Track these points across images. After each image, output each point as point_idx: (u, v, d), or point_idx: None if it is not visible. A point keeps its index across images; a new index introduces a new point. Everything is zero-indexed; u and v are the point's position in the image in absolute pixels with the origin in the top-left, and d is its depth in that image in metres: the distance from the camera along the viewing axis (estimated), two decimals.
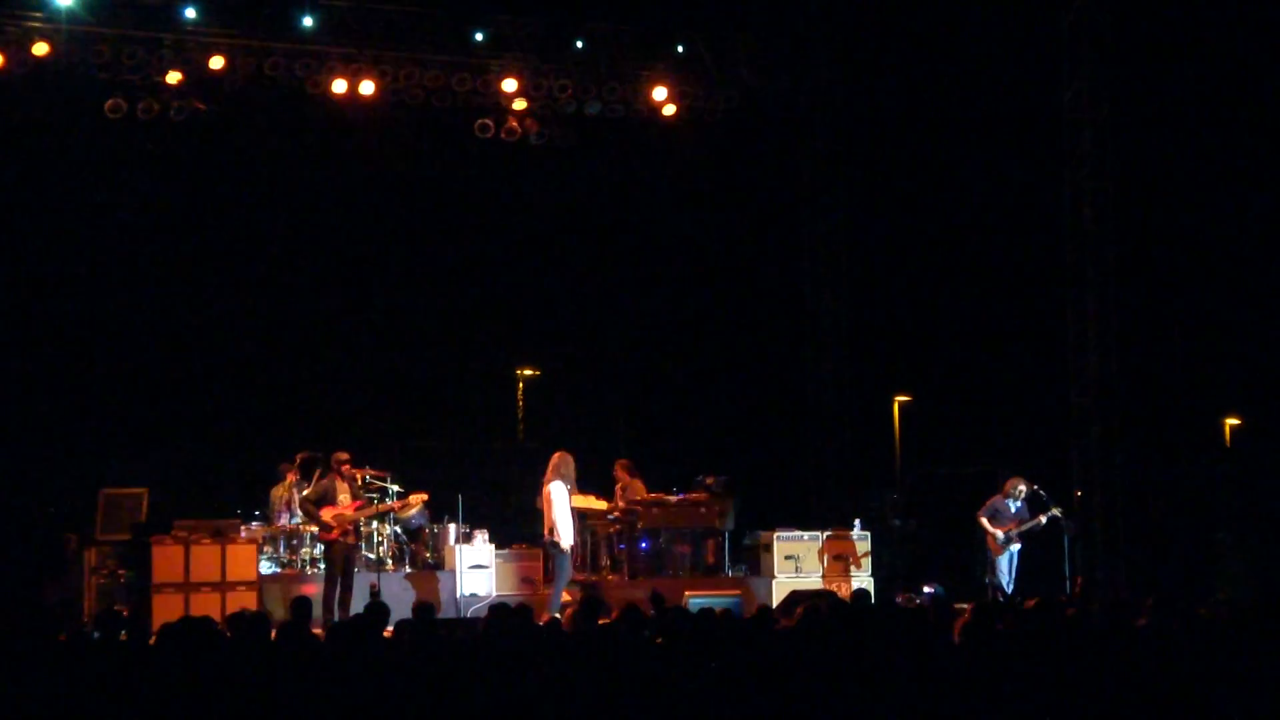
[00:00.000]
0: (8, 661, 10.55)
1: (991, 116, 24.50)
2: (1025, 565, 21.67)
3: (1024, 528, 21.54)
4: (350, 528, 19.76)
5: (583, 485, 22.33)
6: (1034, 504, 21.68)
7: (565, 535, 20.06)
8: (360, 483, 20.96)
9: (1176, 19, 22.97)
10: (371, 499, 21.18)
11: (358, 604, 17.73)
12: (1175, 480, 23.37)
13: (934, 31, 24.31)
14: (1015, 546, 21.60)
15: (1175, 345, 23.28)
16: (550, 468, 20.35)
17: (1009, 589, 21.38)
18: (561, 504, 20.08)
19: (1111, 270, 23.37)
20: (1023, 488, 21.59)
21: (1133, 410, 23.33)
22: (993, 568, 21.62)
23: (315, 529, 20.35)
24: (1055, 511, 21.74)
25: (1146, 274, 23.41)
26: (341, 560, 19.67)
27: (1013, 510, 21.57)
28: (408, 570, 21.73)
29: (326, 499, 19.79)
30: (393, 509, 21.15)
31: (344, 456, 20.03)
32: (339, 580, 19.58)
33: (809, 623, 12.09)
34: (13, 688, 10.10)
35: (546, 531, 20.27)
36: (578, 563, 22.29)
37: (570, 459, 20.48)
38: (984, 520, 21.64)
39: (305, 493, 20.48)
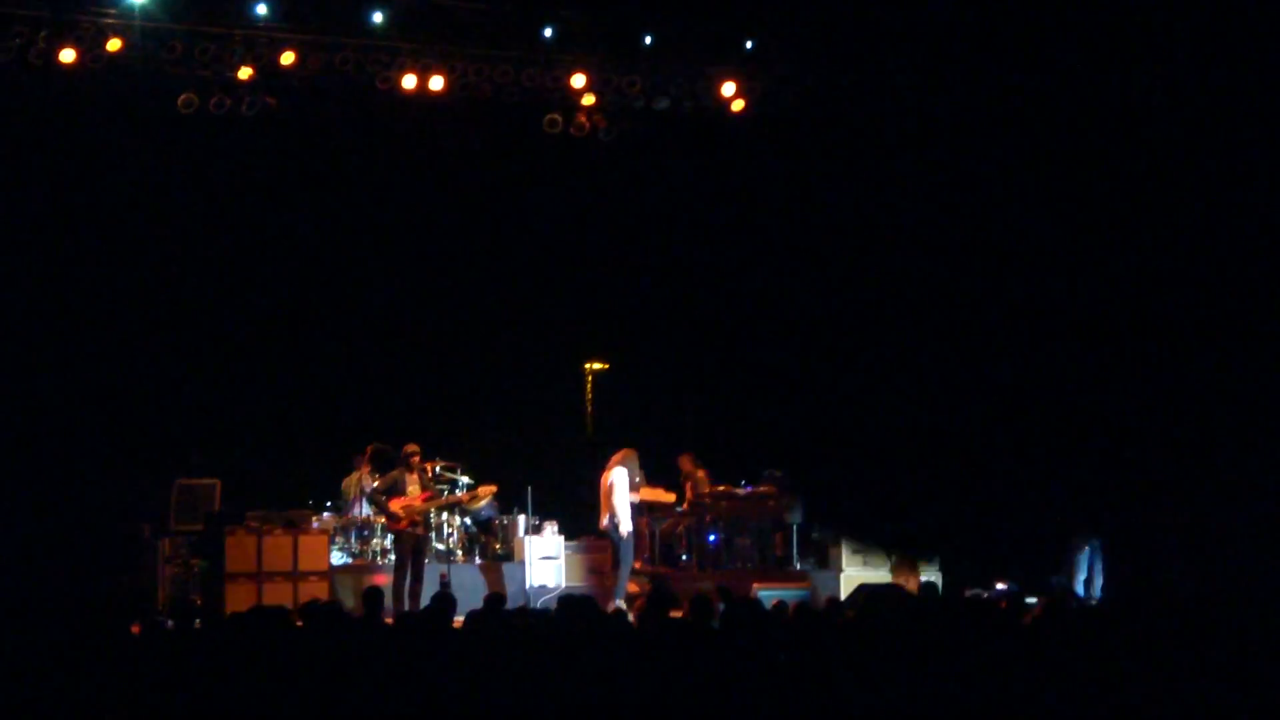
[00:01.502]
0: (82, 650, 10.69)
1: (1053, 111, 24.34)
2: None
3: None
4: (419, 519, 19.94)
5: (650, 478, 22.47)
6: None
7: (625, 520, 20.21)
8: (430, 474, 21.16)
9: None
10: (441, 490, 21.35)
11: (428, 595, 17.87)
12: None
13: (1002, 28, 24.18)
14: (1096, 542, 21.42)
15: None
16: (614, 459, 20.54)
17: (1089, 584, 21.21)
18: (622, 491, 20.27)
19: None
20: None
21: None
22: (1070, 564, 21.41)
23: (385, 520, 20.55)
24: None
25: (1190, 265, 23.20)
26: (410, 551, 19.85)
27: None
28: (478, 561, 21.88)
29: (396, 490, 19.99)
30: (461, 500, 21.29)
31: (414, 449, 20.20)
32: (409, 571, 19.75)
33: (870, 616, 12.13)
34: (87, 676, 10.24)
35: (605, 518, 20.44)
36: (646, 555, 22.42)
37: (634, 455, 20.66)
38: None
39: (375, 484, 20.69)
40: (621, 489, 20.35)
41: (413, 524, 19.88)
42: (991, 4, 23.92)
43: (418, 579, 19.78)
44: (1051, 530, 22.07)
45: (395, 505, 19.87)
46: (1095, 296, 23.98)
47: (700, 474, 22.78)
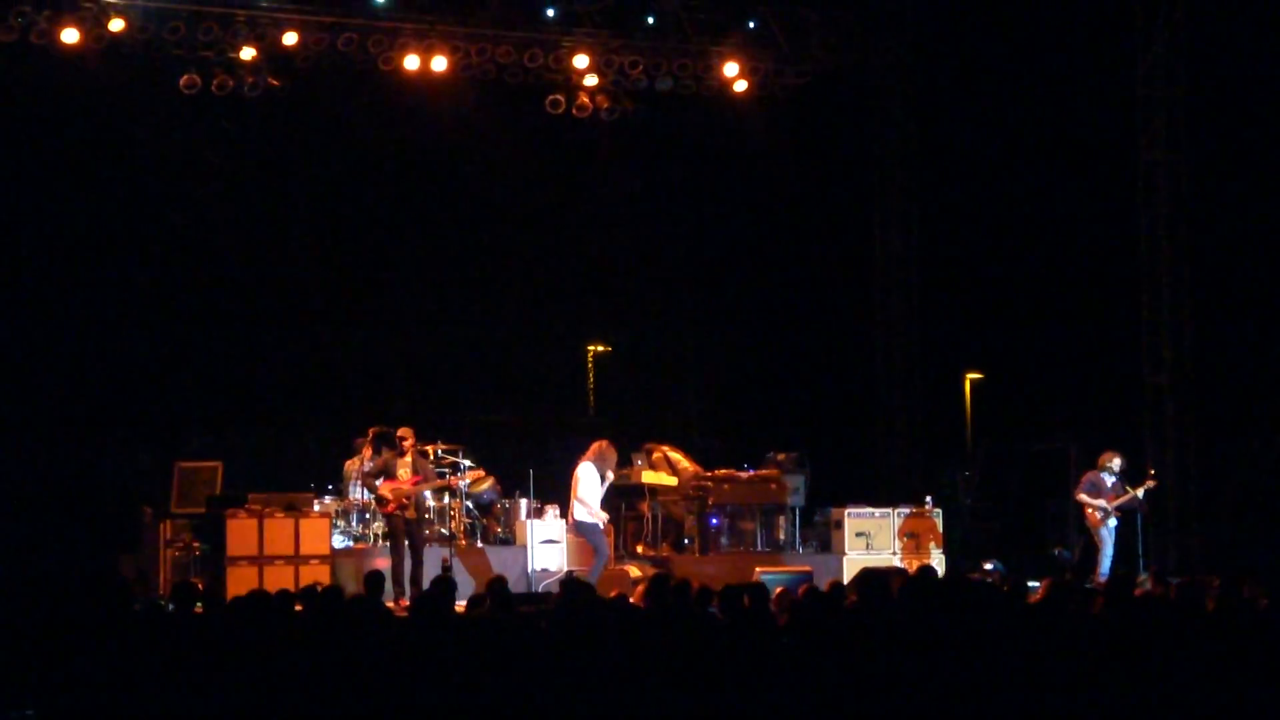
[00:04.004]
0: (84, 632, 10.66)
1: (1066, 91, 24.34)
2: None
3: (1120, 502, 21.34)
4: (407, 501, 19.88)
5: (651, 462, 22.45)
6: (1125, 479, 21.52)
7: (579, 511, 20.08)
8: (432, 457, 21.15)
9: None
10: (444, 474, 21.36)
11: (429, 578, 17.80)
12: (1251, 459, 23.19)
13: (1007, 6, 24.16)
14: (1112, 522, 21.39)
15: (1252, 321, 23.08)
16: (587, 453, 20.41)
17: (1107, 564, 21.15)
18: (585, 484, 20.12)
19: (1186, 245, 23.25)
20: (1118, 461, 21.42)
21: (1208, 387, 23.18)
22: (1097, 542, 21.31)
23: (375, 503, 20.58)
24: (1150, 484, 21.66)
25: (1222, 249, 23.23)
26: (403, 534, 19.82)
27: (1109, 484, 21.38)
28: (479, 545, 21.85)
29: (386, 474, 19.98)
30: (449, 484, 21.20)
31: (407, 433, 20.15)
32: (405, 553, 19.73)
33: (872, 598, 12.05)
34: (88, 658, 10.21)
35: (570, 512, 20.38)
36: (648, 538, 22.38)
37: (612, 449, 20.50)
38: (1083, 496, 21.42)
39: (367, 468, 20.71)
40: (583, 483, 20.22)
41: (400, 506, 19.85)
42: None
43: (418, 562, 19.75)
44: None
45: (384, 489, 19.88)
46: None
47: (656, 457, 22.68)
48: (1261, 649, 10.83)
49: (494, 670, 10.00)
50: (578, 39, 24.04)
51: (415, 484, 20.06)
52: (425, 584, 18.59)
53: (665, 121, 25.37)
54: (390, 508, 19.86)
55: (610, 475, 20.50)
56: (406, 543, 19.81)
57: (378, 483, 19.99)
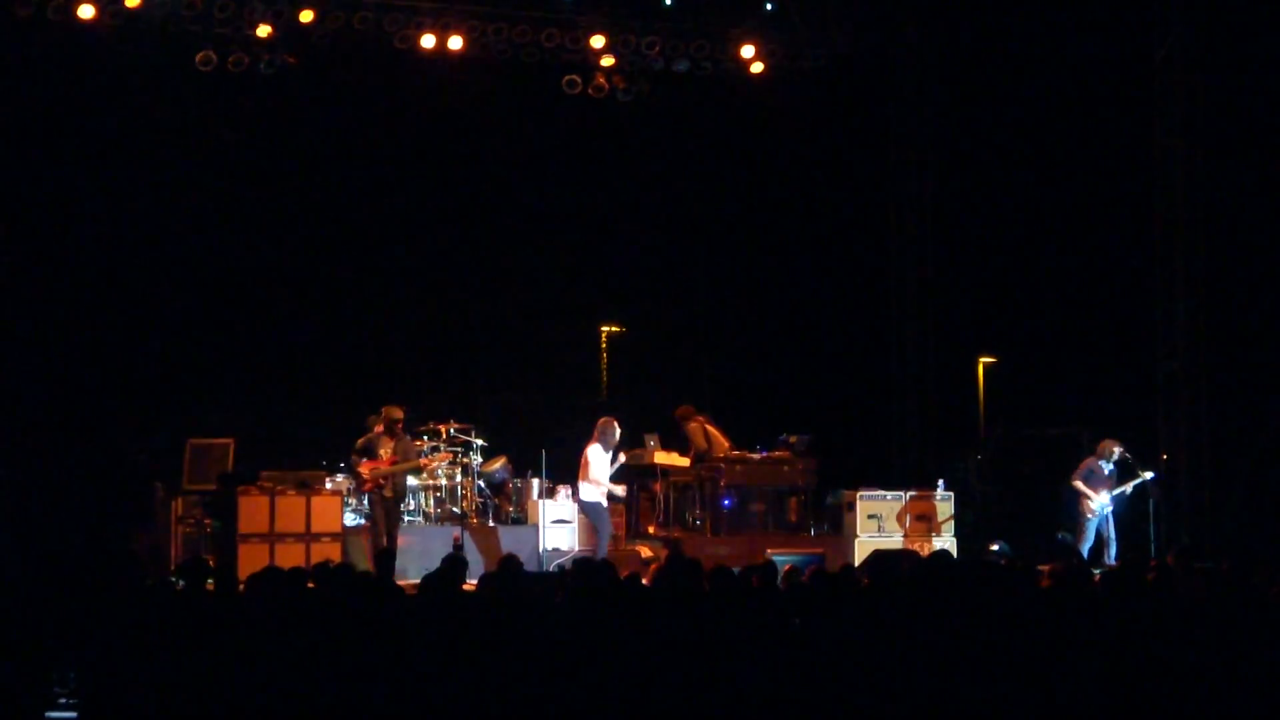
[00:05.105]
0: (95, 608, 10.68)
1: (1083, 76, 24.27)
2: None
3: (1114, 492, 21.48)
4: (383, 481, 19.88)
5: (665, 443, 22.46)
6: (1124, 469, 21.61)
7: (585, 491, 20.25)
8: (445, 435, 21.21)
9: None
10: (455, 452, 21.46)
11: (437, 557, 17.80)
12: (1265, 444, 23.14)
13: None
14: (1108, 509, 21.50)
15: (1266, 306, 23.03)
16: (594, 430, 20.56)
17: (1111, 550, 21.25)
18: (595, 465, 20.28)
19: (1200, 230, 23.20)
20: (1117, 449, 21.51)
21: (1221, 373, 23.14)
22: (1080, 530, 21.48)
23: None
24: (1145, 476, 21.67)
25: (1237, 234, 23.17)
26: (382, 513, 19.86)
27: (1106, 472, 21.48)
28: (491, 524, 21.88)
29: (369, 453, 19.99)
30: (422, 465, 21.14)
31: (398, 415, 20.15)
32: (380, 532, 19.77)
33: (886, 580, 12.07)
34: (99, 634, 10.23)
35: (577, 492, 20.57)
36: (660, 519, 22.40)
37: (614, 423, 20.63)
38: (1079, 483, 21.52)
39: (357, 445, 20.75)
40: (595, 464, 20.39)
41: (376, 486, 19.87)
42: None
43: (391, 540, 19.73)
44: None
45: (364, 468, 19.93)
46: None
47: (692, 425, 22.69)
48: (1271, 634, 10.82)
49: (505, 648, 10.01)
50: (594, 19, 24.02)
51: (391, 464, 20.05)
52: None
53: (682, 102, 25.33)
54: (367, 487, 19.95)
55: (621, 456, 20.63)
56: (383, 521, 19.89)
57: (359, 461, 20.10)
